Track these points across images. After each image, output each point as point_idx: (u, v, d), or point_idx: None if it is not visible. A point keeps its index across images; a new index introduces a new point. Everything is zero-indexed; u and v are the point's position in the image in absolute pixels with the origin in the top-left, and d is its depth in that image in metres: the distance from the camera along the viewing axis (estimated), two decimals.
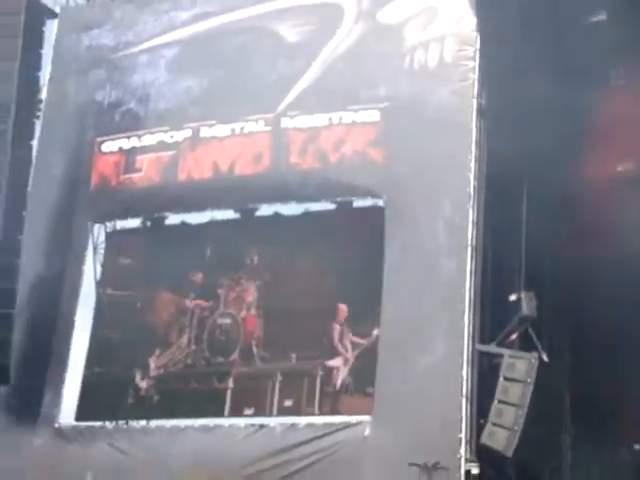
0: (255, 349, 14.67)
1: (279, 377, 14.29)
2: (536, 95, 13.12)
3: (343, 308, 14.20)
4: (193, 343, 15.12)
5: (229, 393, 14.56)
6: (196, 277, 15.40)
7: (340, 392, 13.92)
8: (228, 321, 15.01)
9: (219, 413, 14.41)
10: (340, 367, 13.99)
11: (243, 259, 15.20)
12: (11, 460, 15.05)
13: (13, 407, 15.38)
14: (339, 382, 13.94)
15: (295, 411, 14.05)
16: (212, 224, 15.56)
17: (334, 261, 14.57)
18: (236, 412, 14.36)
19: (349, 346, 14.04)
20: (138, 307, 15.68)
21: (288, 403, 14.14)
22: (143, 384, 15.09)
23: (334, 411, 13.85)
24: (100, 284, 15.94)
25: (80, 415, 15.34)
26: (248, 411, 14.31)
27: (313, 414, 13.95)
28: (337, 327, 14.20)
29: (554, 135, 13.24)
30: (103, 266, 16.15)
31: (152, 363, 15.14)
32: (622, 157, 14.33)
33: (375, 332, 13.77)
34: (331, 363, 14.06)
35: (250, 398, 14.41)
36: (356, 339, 14.04)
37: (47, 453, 15.02)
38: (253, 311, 14.96)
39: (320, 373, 14.06)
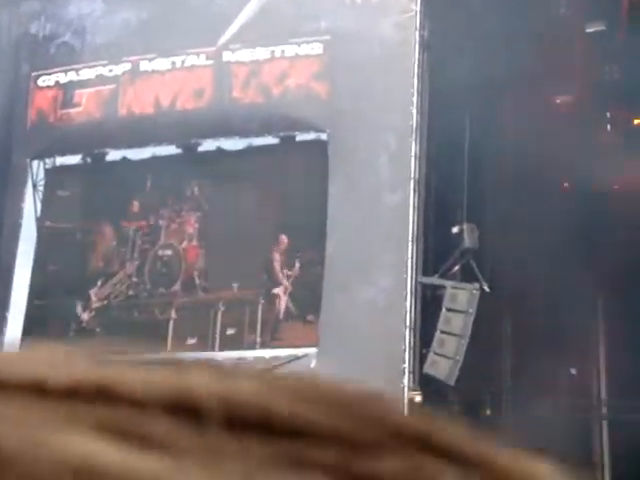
0: (197, 280, 14.71)
1: (221, 306, 14.38)
2: (479, 25, 13.13)
3: (284, 239, 14.27)
4: (135, 275, 15.09)
5: (171, 323, 14.63)
6: (135, 208, 15.30)
7: (281, 320, 14.08)
8: (169, 252, 15.00)
9: (162, 343, 14.46)
10: (281, 295, 14.12)
11: (184, 191, 15.12)
12: None
13: None
14: (282, 310, 14.08)
15: (238, 339, 14.18)
16: (154, 159, 15.41)
17: (276, 194, 14.58)
18: (179, 341, 14.44)
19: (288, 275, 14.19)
20: (78, 239, 15.53)
21: (231, 332, 14.26)
22: (85, 316, 15.04)
23: (275, 338, 14.01)
24: (40, 219, 15.73)
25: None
26: (191, 340, 14.38)
27: (255, 342, 14.09)
28: (277, 257, 14.28)
29: (498, 65, 13.26)
30: (42, 202, 15.94)
31: (93, 295, 15.08)
32: (563, 88, 14.48)
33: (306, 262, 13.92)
34: (274, 291, 14.18)
35: (193, 328, 14.48)
36: (290, 272, 14.18)
37: None
38: (194, 242, 14.95)
39: (261, 301, 14.18)
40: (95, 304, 15.02)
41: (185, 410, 0.36)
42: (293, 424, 0.37)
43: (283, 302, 14.06)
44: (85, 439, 0.35)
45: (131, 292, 15.01)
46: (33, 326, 15.14)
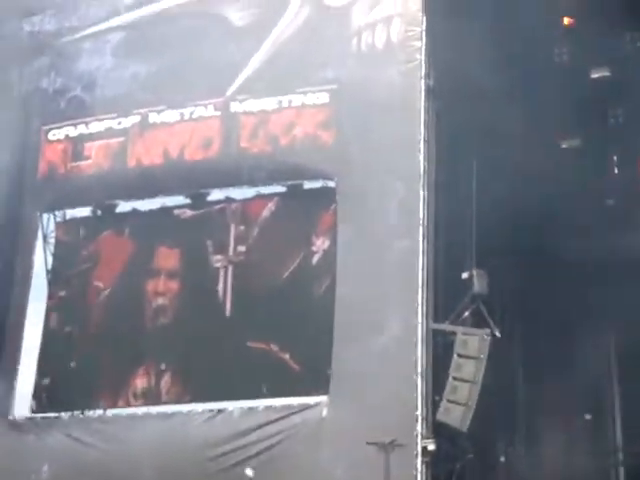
0: None
1: None
2: (485, 71, 13.24)
3: None
4: None
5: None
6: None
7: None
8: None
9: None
10: None
11: None
12: None
13: None
14: None
15: None
16: (163, 210, 15.50)
17: (284, 242, 14.61)
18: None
19: None
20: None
21: None
22: None
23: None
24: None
25: (35, 407, 15.24)
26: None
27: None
28: None
29: (504, 112, 13.36)
30: (54, 255, 16.02)
31: None
32: (568, 133, 14.57)
33: None
34: None
35: None
36: None
37: (2, 446, 14.88)
38: None
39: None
40: None
41: None
42: None
43: None
44: None
45: None
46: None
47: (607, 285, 14.05)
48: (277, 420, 13.53)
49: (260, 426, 13.57)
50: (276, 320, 14.18)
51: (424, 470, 12.58)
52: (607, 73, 14.33)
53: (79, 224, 16.05)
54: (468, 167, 13.82)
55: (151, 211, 15.56)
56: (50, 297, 15.80)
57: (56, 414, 15.02)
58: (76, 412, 14.99)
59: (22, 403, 15.27)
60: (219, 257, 14.93)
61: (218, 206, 15.16)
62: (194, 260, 15.13)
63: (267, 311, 14.31)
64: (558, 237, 14.39)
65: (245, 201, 15.04)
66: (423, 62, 13.85)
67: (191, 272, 15.14)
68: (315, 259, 14.35)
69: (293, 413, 13.53)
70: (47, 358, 15.52)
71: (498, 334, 13.17)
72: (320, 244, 14.31)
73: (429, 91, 13.74)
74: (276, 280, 14.41)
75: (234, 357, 14.30)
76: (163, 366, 14.76)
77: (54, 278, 15.89)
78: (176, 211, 15.36)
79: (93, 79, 16.17)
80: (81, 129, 16.03)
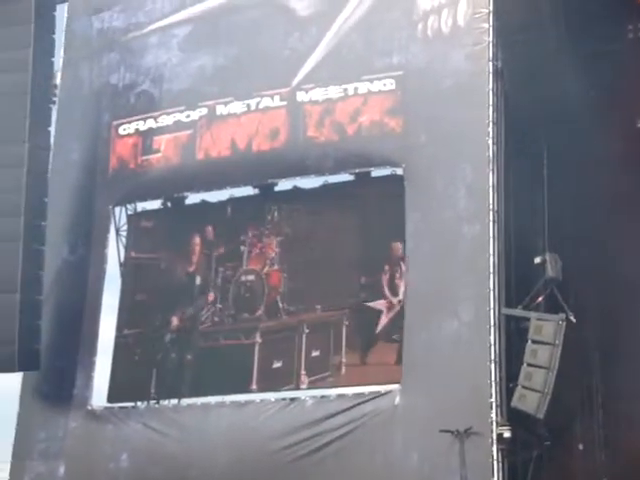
0: (280, 304, 14.75)
1: (305, 329, 14.37)
2: (553, 51, 12.98)
3: (397, 247, 14.04)
4: (219, 302, 15.21)
5: (257, 347, 14.71)
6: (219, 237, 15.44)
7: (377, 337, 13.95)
8: (252, 278, 15.10)
9: (248, 366, 14.53)
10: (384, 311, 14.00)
11: (264, 216, 15.21)
12: (47, 444, 15.26)
13: (46, 392, 15.56)
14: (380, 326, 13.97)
15: (323, 361, 14.14)
16: (232, 201, 15.61)
17: (353, 229, 14.58)
18: (265, 365, 14.51)
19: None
20: (162, 268, 15.76)
21: (315, 353, 14.23)
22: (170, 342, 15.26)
23: (364, 362, 13.93)
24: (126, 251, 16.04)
25: (112, 396, 15.51)
26: (277, 364, 14.43)
27: (341, 363, 14.01)
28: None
29: (574, 90, 13.06)
30: (126, 248, 16.26)
31: (177, 321, 15.22)
32: None
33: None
34: (373, 305, 14.06)
35: (278, 351, 14.53)
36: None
37: (82, 435, 15.20)
38: (276, 266, 15.02)
39: (345, 323, 14.12)
40: (179, 331, 15.22)
41: None
42: None
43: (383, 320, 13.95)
44: None
45: (216, 318, 15.18)
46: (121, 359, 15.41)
47: None
48: (349, 409, 13.54)
49: (332, 415, 13.60)
50: None
51: (500, 458, 12.47)
52: None
53: (150, 216, 16.27)
54: (538, 149, 13.59)
55: (220, 202, 15.68)
56: (123, 289, 16.05)
57: (132, 403, 15.28)
58: (152, 402, 15.23)
59: (99, 393, 15.57)
60: None
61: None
62: None
63: None
64: (631, 221, 14.09)
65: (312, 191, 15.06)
66: (491, 44, 13.67)
67: None
68: None
69: (365, 401, 13.52)
70: (122, 350, 15.79)
71: (573, 319, 12.94)
72: None
73: (497, 73, 13.56)
74: None
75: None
76: None
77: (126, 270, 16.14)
78: None
79: (160, 73, 16.35)
80: (150, 123, 16.24)
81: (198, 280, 15.56)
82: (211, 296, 15.39)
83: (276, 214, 15.22)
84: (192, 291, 15.57)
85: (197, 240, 15.69)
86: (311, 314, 14.48)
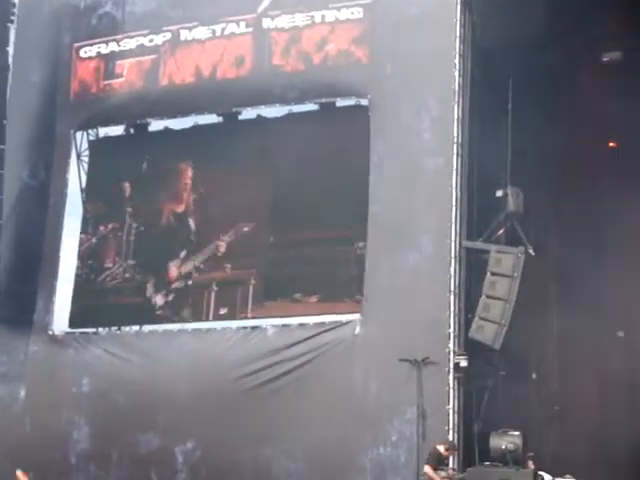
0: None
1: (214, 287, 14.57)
2: None
3: None
4: None
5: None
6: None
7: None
8: None
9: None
10: None
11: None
12: (7, 367, 15.27)
13: (6, 316, 15.51)
14: None
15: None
16: (195, 129, 15.44)
17: (316, 159, 14.52)
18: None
19: None
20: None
21: (223, 311, 14.47)
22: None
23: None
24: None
25: (73, 322, 15.53)
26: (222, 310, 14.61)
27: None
28: None
29: (540, 22, 12.94)
30: (87, 174, 16.09)
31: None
32: (609, 43, 14.09)
33: None
34: None
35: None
36: None
37: (43, 359, 15.22)
38: None
39: (252, 282, 14.30)
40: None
41: None
42: None
43: None
44: None
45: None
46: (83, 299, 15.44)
47: None
48: (310, 338, 13.68)
49: (293, 344, 13.74)
50: None
51: (456, 386, 12.70)
52: None
53: (112, 142, 16.08)
54: (504, 83, 13.53)
55: (183, 129, 15.51)
56: (85, 214, 15.93)
57: (94, 329, 15.31)
58: (113, 328, 15.27)
59: (60, 318, 15.56)
60: None
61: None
62: None
63: None
64: (594, 153, 14.17)
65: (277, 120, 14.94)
66: None
67: None
68: None
69: (326, 330, 13.66)
70: (83, 275, 15.76)
71: (532, 252, 13.09)
72: None
73: (465, 4, 13.42)
74: None
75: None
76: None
77: (88, 196, 16.00)
78: None
79: None
80: (112, 46, 15.93)
81: None
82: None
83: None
84: None
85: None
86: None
